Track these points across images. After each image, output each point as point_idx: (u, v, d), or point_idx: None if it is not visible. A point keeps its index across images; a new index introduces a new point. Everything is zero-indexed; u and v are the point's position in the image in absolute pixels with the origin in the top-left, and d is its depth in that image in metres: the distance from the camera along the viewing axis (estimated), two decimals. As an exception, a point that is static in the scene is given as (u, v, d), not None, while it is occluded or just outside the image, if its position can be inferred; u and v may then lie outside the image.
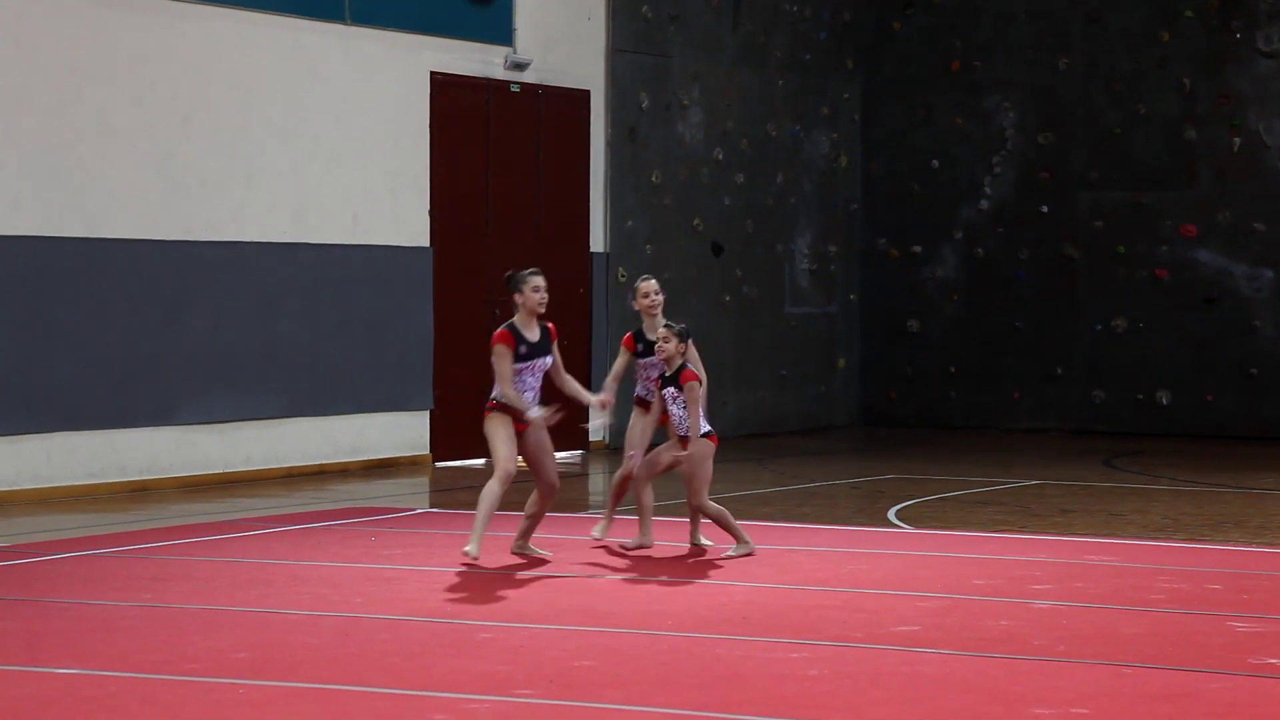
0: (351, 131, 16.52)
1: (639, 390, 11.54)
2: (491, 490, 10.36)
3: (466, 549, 10.38)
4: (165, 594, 9.52)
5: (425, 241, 17.22)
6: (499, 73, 17.90)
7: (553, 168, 18.53)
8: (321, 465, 16.21)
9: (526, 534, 10.83)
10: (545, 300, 10.52)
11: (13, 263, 13.97)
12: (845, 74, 21.83)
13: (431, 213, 17.27)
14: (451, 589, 9.78)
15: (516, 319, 10.51)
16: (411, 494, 15.18)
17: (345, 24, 16.41)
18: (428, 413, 17.30)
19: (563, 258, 18.65)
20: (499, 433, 10.42)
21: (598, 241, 18.99)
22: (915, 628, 8.61)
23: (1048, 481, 15.71)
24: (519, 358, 10.44)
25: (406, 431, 17.13)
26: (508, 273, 10.70)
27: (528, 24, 18.10)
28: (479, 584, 9.96)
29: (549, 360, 10.55)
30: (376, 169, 16.75)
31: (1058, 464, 17.34)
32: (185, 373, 15.14)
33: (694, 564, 10.71)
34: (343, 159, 16.45)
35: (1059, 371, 21.17)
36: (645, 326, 11.38)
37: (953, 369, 21.64)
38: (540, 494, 10.68)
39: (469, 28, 17.58)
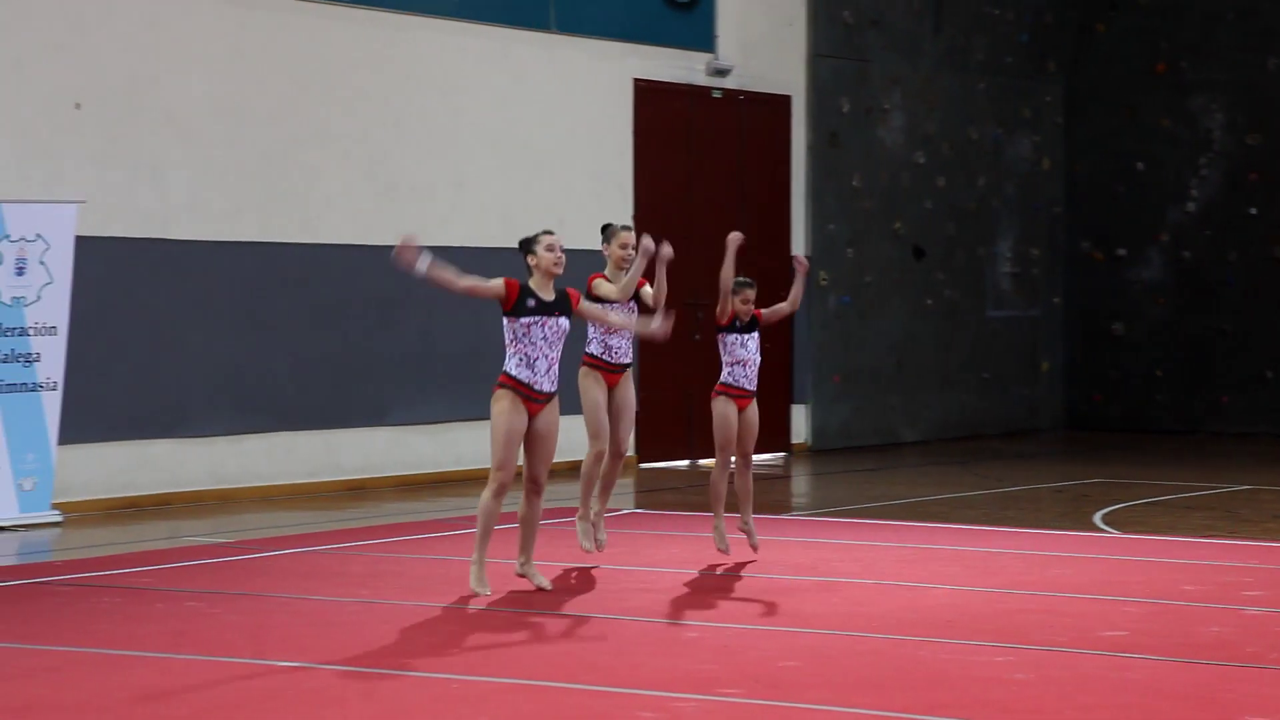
0: (557, 137, 16.77)
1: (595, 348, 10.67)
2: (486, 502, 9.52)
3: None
4: (381, 590, 9.78)
5: (629, 246, 17.37)
6: (701, 79, 18.04)
7: (754, 172, 18.62)
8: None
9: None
10: (561, 260, 9.52)
11: (234, 267, 14.42)
12: (1047, 76, 21.64)
13: (635, 217, 17.45)
14: (657, 588, 9.90)
15: (531, 281, 9.55)
16: (616, 494, 15.29)
17: (550, 32, 16.66)
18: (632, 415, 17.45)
19: (764, 261, 18.72)
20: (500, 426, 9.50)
21: (799, 245, 19.02)
22: (1122, 633, 8.57)
23: (1259, 486, 15.45)
24: (524, 310, 9.44)
25: (610, 433, 17.29)
26: (521, 239, 9.85)
27: (729, 30, 18.22)
28: (685, 584, 10.08)
29: (565, 325, 9.52)
30: (581, 174, 16.98)
31: (1268, 469, 17.04)
32: (398, 374, 15.51)
33: (898, 565, 10.73)
34: (548, 165, 16.70)
35: (1269, 375, 20.78)
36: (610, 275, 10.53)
37: (1159, 372, 21.34)
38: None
39: (671, 35, 17.74)
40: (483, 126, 16.19)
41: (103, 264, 13.46)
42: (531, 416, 9.53)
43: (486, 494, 9.44)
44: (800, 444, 19.00)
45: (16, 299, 12.60)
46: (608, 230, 10.65)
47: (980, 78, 20.83)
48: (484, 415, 15.83)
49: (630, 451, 10.55)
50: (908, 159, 20.03)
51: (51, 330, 12.75)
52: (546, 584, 9.73)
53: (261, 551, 11.35)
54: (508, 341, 9.53)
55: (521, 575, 9.78)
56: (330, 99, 15.06)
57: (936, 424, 20.31)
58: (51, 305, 12.72)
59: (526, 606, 9.32)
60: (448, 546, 11.61)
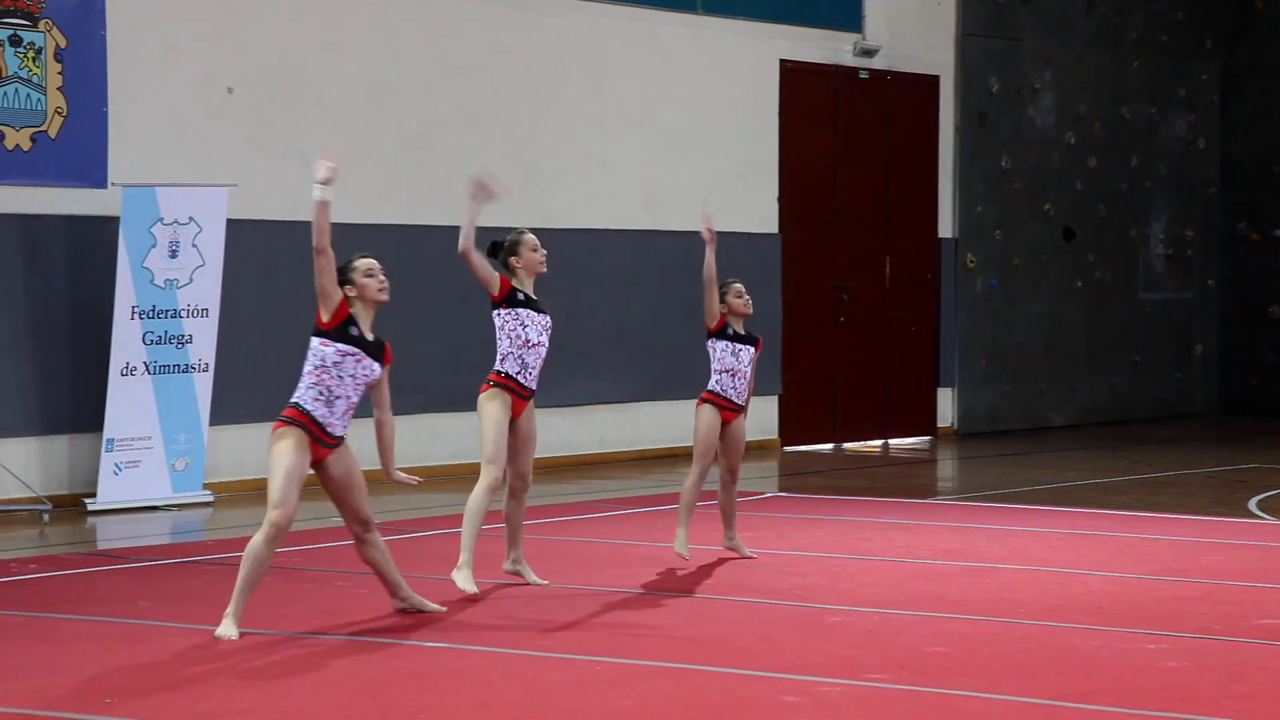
0: (702, 120, 16.71)
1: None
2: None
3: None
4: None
5: (774, 228, 17.32)
6: (848, 59, 17.90)
7: (901, 154, 18.44)
8: (671, 448, 16.44)
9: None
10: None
11: (380, 250, 14.41)
12: (1203, 55, 21.22)
13: (780, 200, 17.37)
14: (801, 572, 9.84)
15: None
16: (760, 478, 15.29)
17: (697, 14, 16.60)
18: (776, 398, 17.41)
19: (910, 244, 18.58)
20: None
21: (946, 227, 18.84)
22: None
23: None
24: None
25: (755, 416, 17.25)
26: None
27: (876, 10, 18.06)
28: (827, 568, 10.01)
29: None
30: (726, 157, 16.92)
31: None
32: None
33: (1047, 551, 10.58)
34: (693, 147, 16.66)
35: None
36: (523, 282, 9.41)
37: (1317, 357, 20.90)
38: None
39: (818, 15, 17.61)
40: (628, 109, 16.17)
41: (252, 247, 13.61)
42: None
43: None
44: (946, 428, 18.82)
45: (170, 281, 12.77)
46: (507, 244, 9.46)
47: (1134, 56, 20.47)
48: (627, 398, 15.96)
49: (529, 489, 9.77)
50: (1058, 139, 19.74)
51: (203, 313, 12.91)
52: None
53: (407, 533, 11.42)
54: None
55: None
56: (477, 82, 15.12)
57: (1085, 408, 20.02)
58: (203, 288, 12.88)
59: (666, 589, 9.29)
60: (589, 529, 11.62)
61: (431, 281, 14.82)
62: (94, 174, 12.90)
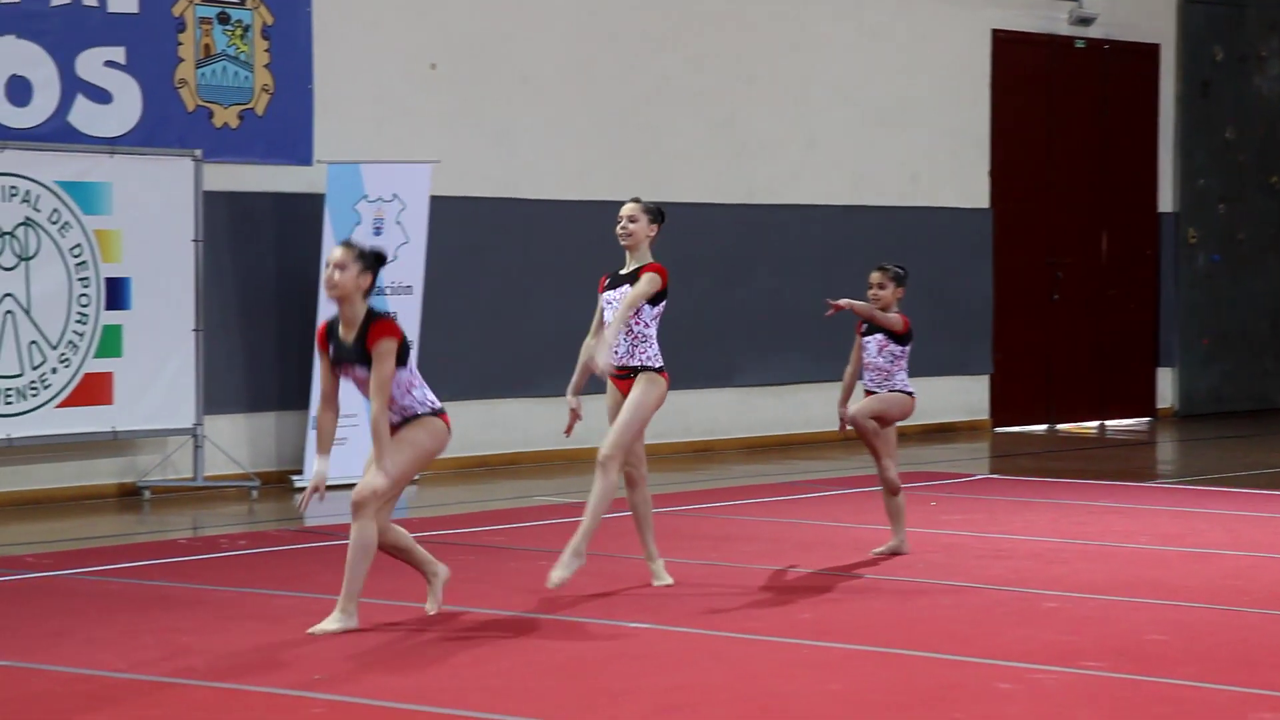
0: (911, 92, 16.39)
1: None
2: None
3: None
4: (731, 554, 9.63)
5: (985, 203, 16.95)
6: (1063, 28, 17.45)
7: (1118, 125, 17.95)
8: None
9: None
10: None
11: (583, 227, 14.42)
12: None
13: (992, 173, 16.99)
14: (1014, 556, 9.56)
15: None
16: (970, 459, 14.98)
17: (906, -16, 16.29)
18: (987, 377, 17.05)
19: (1128, 218, 18.09)
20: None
21: (1166, 201, 18.31)
22: None
23: None
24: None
25: (965, 395, 16.92)
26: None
27: (1093, -23, 17.60)
28: (1041, 552, 9.70)
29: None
30: (936, 130, 16.58)
31: None
32: (745, 335, 15.36)
33: (1274, 537, 10.15)
34: (902, 120, 16.34)
35: None
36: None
37: None
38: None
39: (1032, -17, 17.21)
40: (835, 82, 15.90)
41: (455, 223, 13.60)
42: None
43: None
44: (1166, 409, 18.29)
45: (374, 258, 12.78)
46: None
47: (1364, 21, 19.70)
48: (834, 377, 15.67)
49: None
50: (1285, 109, 19.08)
51: (407, 289, 12.92)
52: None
53: (610, 513, 11.29)
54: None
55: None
56: (681, 56, 14.95)
57: (1311, 390, 19.35)
58: (407, 264, 12.89)
59: (875, 573, 9.06)
60: (797, 510, 11.42)
61: (635, 258, 14.68)
62: (300, 151, 12.97)
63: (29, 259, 11.62)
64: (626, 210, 8.69)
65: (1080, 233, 17.69)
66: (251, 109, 12.79)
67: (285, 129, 12.91)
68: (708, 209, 15.10)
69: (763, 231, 15.45)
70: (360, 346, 7.50)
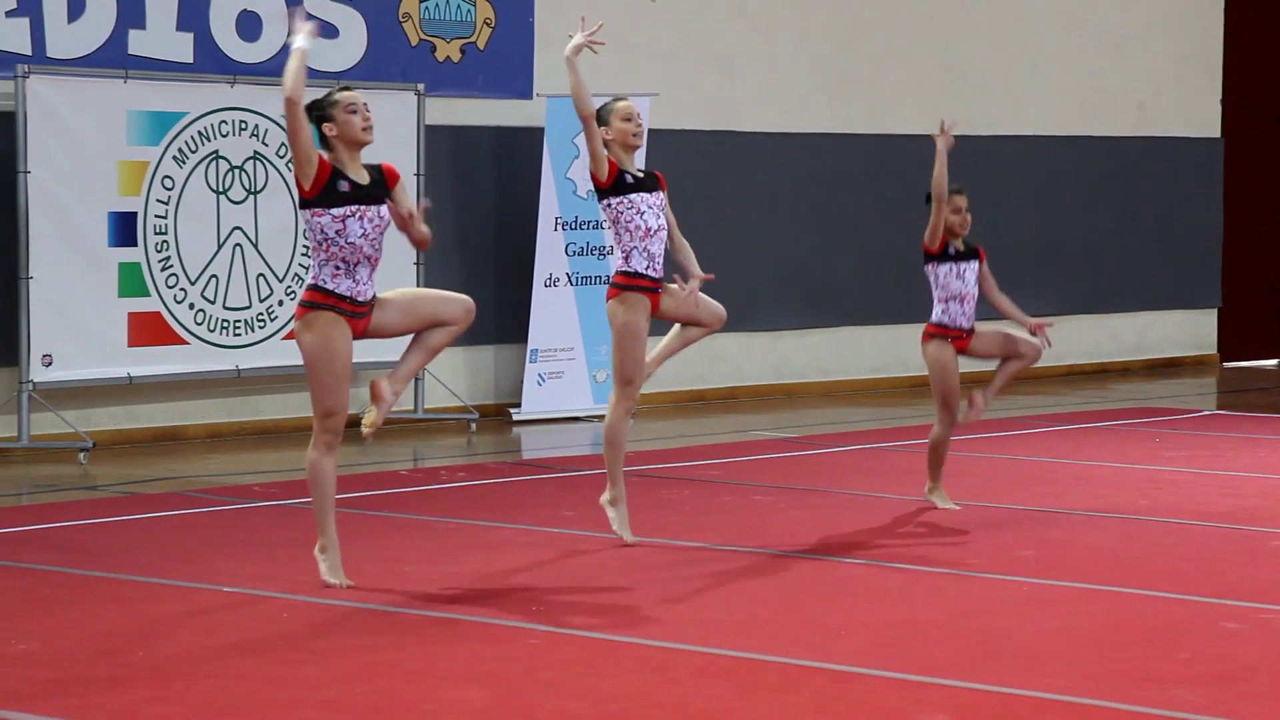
0: (1138, 17, 15.98)
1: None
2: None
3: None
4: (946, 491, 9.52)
5: (1216, 132, 16.49)
6: (1299, -50, 16.87)
7: (1357, 50, 17.34)
8: (1103, 364, 15.89)
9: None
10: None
11: (801, 159, 14.31)
12: None
13: (1224, 101, 16.52)
14: (1241, 493, 9.32)
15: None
16: (1197, 394, 14.63)
17: (1133, -93, 15.87)
18: (1215, 311, 16.64)
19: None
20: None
21: None
22: None
23: None
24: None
25: (1192, 330, 16.54)
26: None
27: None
28: (1270, 489, 9.45)
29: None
30: (1164, 56, 16.14)
31: None
32: (966, 268, 15.12)
33: None
34: (1128, 47, 15.94)
35: None
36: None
37: None
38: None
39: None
40: (1058, 7, 15.55)
41: (673, 157, 13.56)
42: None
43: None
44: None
45: (591, 193, 12.80)
46: (600, 110, 8.07)
47: None
48: (1056, 310, 15.38)
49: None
50: None
51: (624, 223, 12.93)
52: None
53: (825, 447, 11.26)
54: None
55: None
56: (900, -15, 14.74)
57: None
58: (625, 198, 12.88)
59: (1096, 509, 8.90)
60: (1016, 446, 11.26)
61: (853, 191, 14.56)
62: (520, 85, 13.03)
63: (257, 193, 11.84)
64: (636, 109, 8.13)
65: (1315, 163, 17.14)
66: (473, 43, 12.87)
67: (506, 63, 12.97)
68: (929, 141, 14.77)
69: (984, 163, 15.17)
70: (379, 187, 7.17)
